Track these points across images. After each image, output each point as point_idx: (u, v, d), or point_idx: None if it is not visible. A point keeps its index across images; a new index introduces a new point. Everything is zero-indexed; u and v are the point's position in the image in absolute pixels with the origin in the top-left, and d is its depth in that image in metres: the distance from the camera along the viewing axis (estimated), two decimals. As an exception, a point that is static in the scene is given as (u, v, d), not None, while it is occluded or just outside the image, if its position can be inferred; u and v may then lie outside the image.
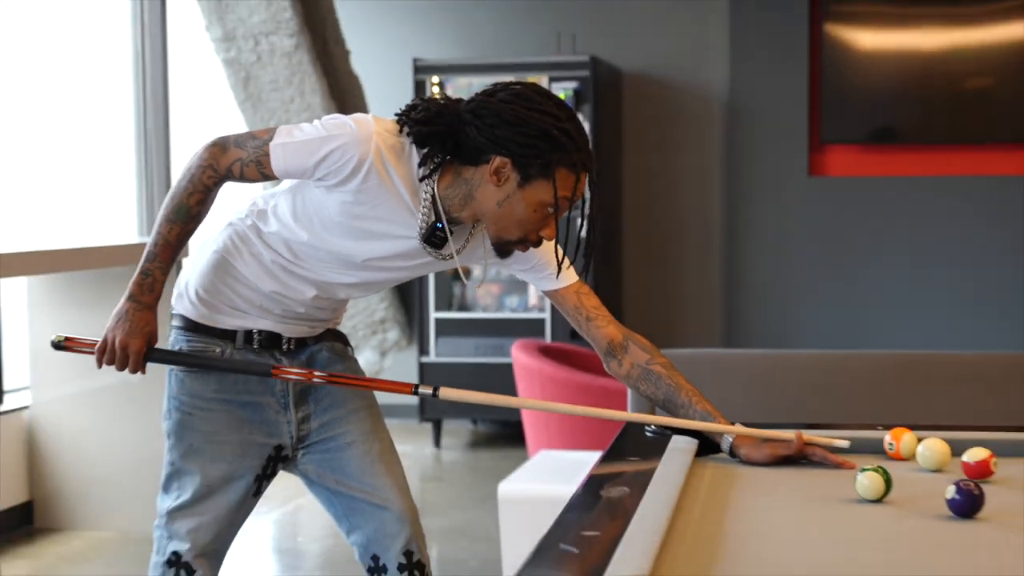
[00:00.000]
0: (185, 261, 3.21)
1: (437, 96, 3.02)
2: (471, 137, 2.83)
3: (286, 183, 3.06)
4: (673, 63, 8.76)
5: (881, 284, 8.52)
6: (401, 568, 3.22)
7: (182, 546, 3.07)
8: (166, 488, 3.14)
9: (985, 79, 8.37)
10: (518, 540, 3.93)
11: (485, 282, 7.86)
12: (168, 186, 7.96)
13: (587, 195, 2.93)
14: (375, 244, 2.99)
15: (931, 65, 8.38)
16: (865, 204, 8.55)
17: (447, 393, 3.01)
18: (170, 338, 3.19)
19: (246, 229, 3.09)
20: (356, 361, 3.38)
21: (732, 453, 2.88)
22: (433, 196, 2.90)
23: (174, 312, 3.20)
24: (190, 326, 3.15)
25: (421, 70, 8.27)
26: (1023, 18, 8.28)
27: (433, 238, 2.94)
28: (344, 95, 7.72)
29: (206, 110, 8.46)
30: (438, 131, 2.84)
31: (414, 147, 2.88)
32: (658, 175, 8.82)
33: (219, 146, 2.96)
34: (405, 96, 8.41)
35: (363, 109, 7.74)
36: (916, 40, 8.42)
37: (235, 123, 7.80)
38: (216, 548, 3.11)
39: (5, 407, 6.28)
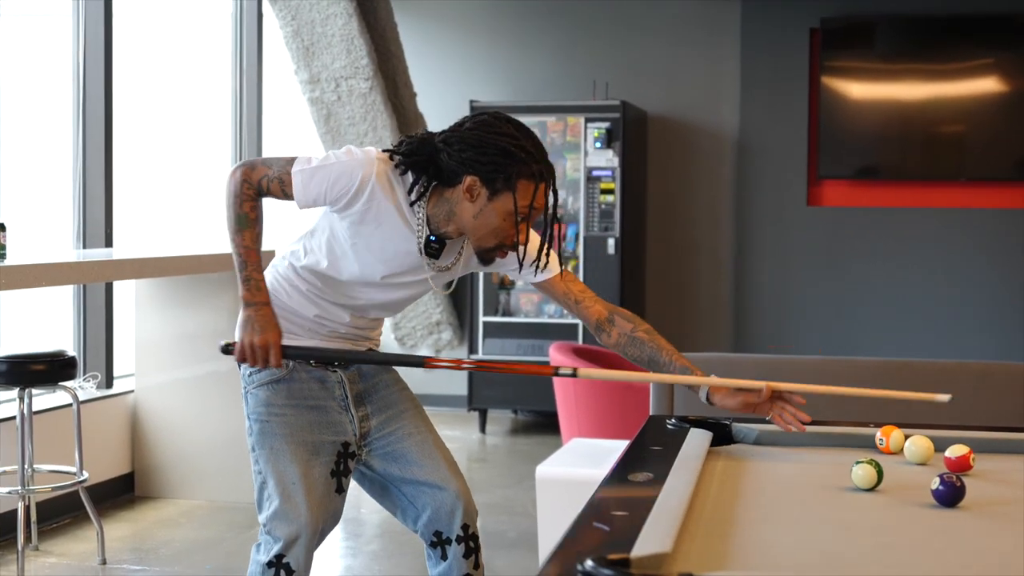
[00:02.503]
0: None
1: (417, 132, 3.09)
2: (445, 162, 2.92)
3: (310, 225, 3.14)
4: (691, 107, 8.74)
5: (868, 300, 8.51)
6: (459, 540, 3.22)
7: (282, 548, 3.03)
8: (259, 503, 3.12)
9: (958, 126, 8.36)
10: (553, 516, 3.89)
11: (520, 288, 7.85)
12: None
13: (551, 200, 2.98)
14: (386, 262, 3.05)
15: (911, 113, 8.39)
16: (855, 231, 8.54)
17: (585, 372, 3.08)
18: (244, 372, 3.19)
19: (285, 268, 3.18)
20: (395, 371, 3.40)
21: (709, 401, 2.93)
22: (425, 215, 2.99)
23: None
24: (224, 349, 3.15)
25: (477, 110, 8.26)
26: (988, 75, 8.30)
27: (430, 250, 3.02)
28: (411, 130, 7.71)
29: (292, 141, 8.48)
30: (419, 160, 2.94)
31: (406, 175, 2.97)
32: (677, 202, 8.80)
33: (247, 165, 3.05)
34: (461, 131, 8.43)
35: (427, 144, 7.74)
36: (899, 92, 8.42)
37: (317, 152, 7.79)
38: (310, 541, 3.06)
39: (113, 391, 6.31)
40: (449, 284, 3.22)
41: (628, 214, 8.16)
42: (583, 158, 8.05)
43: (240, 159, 7.88)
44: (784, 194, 8.59)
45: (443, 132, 2.98)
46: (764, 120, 8.60)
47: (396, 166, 2.96)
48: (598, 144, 8.02)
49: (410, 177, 2.96)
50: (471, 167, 2.89)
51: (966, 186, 8.44)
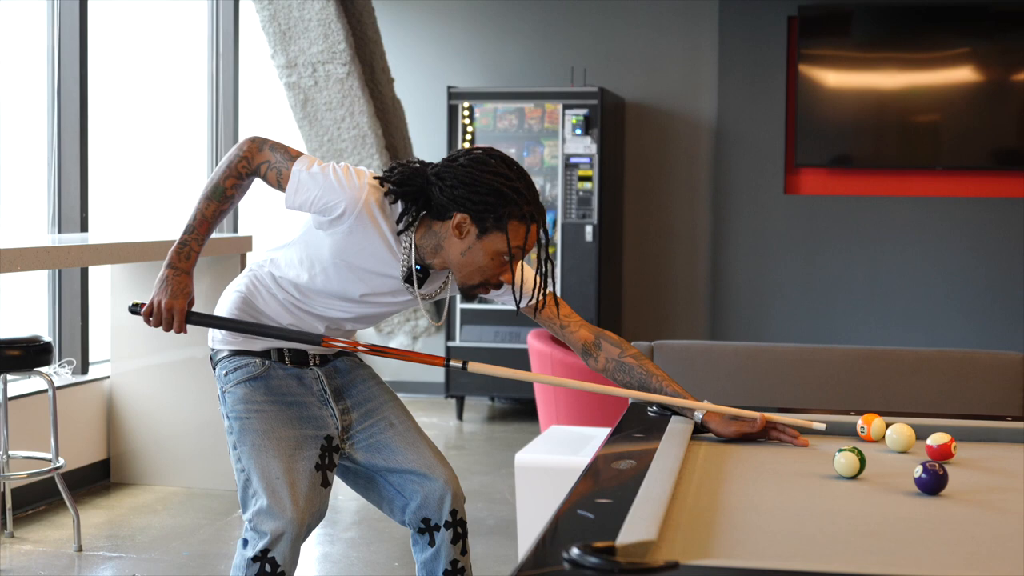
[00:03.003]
0: (218, 303, 3.24)
1: (412, 160, 3.06)
2: (436, 196, 2.91)
3: (296, 234, 3.13)
4: (669, 94, 8.74)
5: (845, 287, 8.54)
6: (447, 525, 3.24)
7: (268, 543, 3.02)
8: (243, 501, 3.09)
9: (933, 115, 8.39)
10: (532, 503, 3.88)
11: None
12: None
13: (542, 240, 2.98)
14: (365, 283, 3.06)
15: (888, 102, 8.41)
16: (831, 219, 8.57)
17: (475, 367, 3.05)
18: (220, 372, 3.20)
19: (263, 274, 3.17)
20: (370, 367, 3.41)
21: (704, 426, 2.88)
22: (411, 245, 2.98)
23: (215, 349, 3.24)
24: (232, 353, 3.18)
25: (454, 96, 8.25)
26: (964, 65, 8.32)
27: (410, 278, 3.02)
28: (388, 116, 7.69)
29: (269, 124, 8.44)
30: (410, 191, 2.93)
31: (396, 204, 2.97)
32: (654, 190, 8.80)
33: (256, 144, 3.03)
34: (441, 117, 8.42)
35: (404, 129, 7.74)
36: (876, 80, 8.44)
37: (294, 137, 7.77)
38: (295, 536, 3.04)
39: (89, 377, 6.28)
40: (439, 314, 3.21)
41: (606, 201, 8.15)
42: (561, 145, 8.04)
43: (217, 144, 7.84)
44: (761, 182, 8.61)
45: (436, 165, 2.97)
46: (742, 108, 8.61)
47: (386, 194, 2.94)
48: (576, 131, 8.01)
49: (400, 206, 2.96)
50: (462, 205, 2.89)
51: (942, 175, 8.46)
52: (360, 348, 3.09)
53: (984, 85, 8.31)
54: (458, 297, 7.91)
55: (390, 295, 3.10)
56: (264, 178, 3.02)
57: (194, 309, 3.07)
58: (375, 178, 2.98)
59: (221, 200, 3.03)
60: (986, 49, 8.29)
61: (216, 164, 7.76)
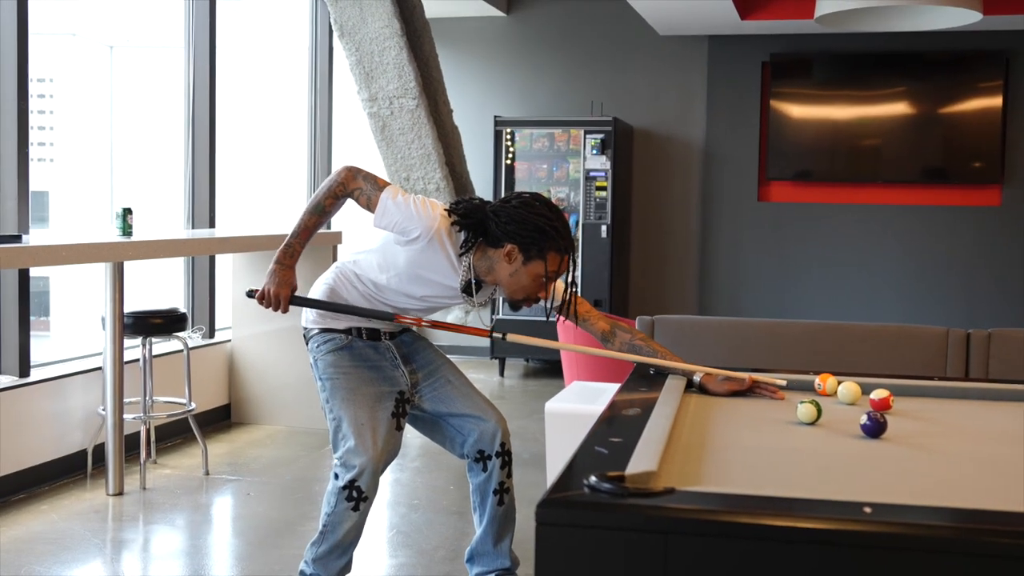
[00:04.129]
0: (310, 291, 3.25)
1: (473, 197, 3.08)
2: (492, 229, 2.94)
3: (376, 243, 3.15)
4: (668, 123, 8.68)
5: (805, 276, 8.47)
6: (498, 455, 3.28)
7: (355, 475, 3.02)
8: (335, 443, 3.11)
9: (875, 139, 8.29)
10: (558, 442, 3.86)
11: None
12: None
13: (570, 267, 3.01)
14: (428, 287, 3.08)
15: (839, 129, 8.32)
16: (794, 221, 8.49)
17: (513, 338, 3.07)
18: (312, 345, 3.21)
19: (348, 272, 3.19)
20: (427, 339, 3.43)
21: (701, 388, 2.85)
22: (470, 264, 3.00)
23: (307, 327, 3.25)
24: (321, 330, 3.19)
25: (499, 123, 8.23)
26: (901, 100, 8.23)
27: (468, 290, 3.05)
28: (448, 139, 7.67)
29: (355, 144, 8.44)
30: (471, 223, 2.96)
31: (461, 232, 3.00)
32: (656, 198, 8.75)
33: (351, 172, 3.03)
34: (488, 140, 8.39)
35: (461, 151, 7.71)
36: (830, 113, 8.35)
37: (374, 156, 7.76)
38: (376, 469, 3.05)
39: (215, 340, 6.30)
40: (483, 302, 3.21)
41: (617, 206, 8.11)
42: (582, 162, 8.00)
43: (315, 161, 7.85)
44: (739, 192, 8.54)
45: (494, 203, 2.99)
46: (725, 133, 8.54)
47: (453, 224, 2.96)
48: (594, 151, 7.96)
49: (462, 233, 2.98)
50: (512, 238, 2.92)
51: (882, 187, 8.37)
52: (424, 324, 3.09)
53: (917, 116, 8.21)
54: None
55: (446, 298, 3.13)
56: (356, 200, 3.03)
57: (296, 294, 3.10)
58: (445, 209, 3.00)
59: (320, 215, 3.04)
60: (919, 88, 8.18)
61: (315, 179, 7.79)
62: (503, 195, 3.16)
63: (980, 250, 8.21)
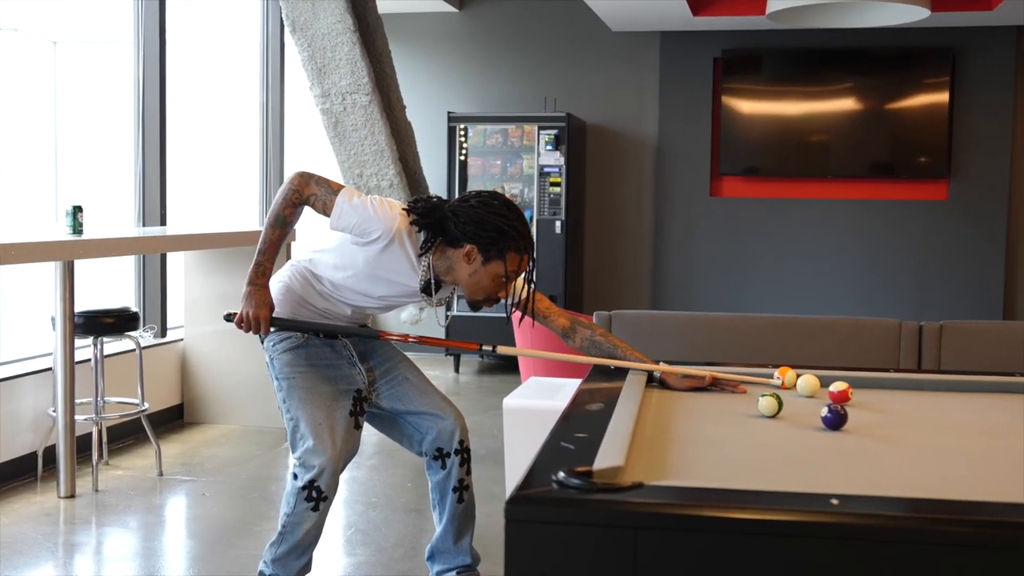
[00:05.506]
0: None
1: (431, 196, 3.05)
2: (451, 229, 2.91)
3: (333, 242, 3.10)
4: (621, 119, 8.71)
5: (755, 268, 8.55)
6: (457, 452, 3.27)
7: (314, 475, 3.00)
8: (293, 444, 3.08)
9: (823, 135, 8.38)
10: (517, 438, 3.86)
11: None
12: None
13: (529, 266, 3.00)
14: (387, 287, 3.05)
15: (789, 125, 8.40)
16: (746, 216, 8.56)
17: (502, 350, 3.06)
18: (268, 344, 3.17)
19: (303, 270, 3.15)
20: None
21: (662, 383, 2.84)
22: (429, 264, 2.97)
23: None
24: (226, 317, 3.14)
25: (452, 119, 8.21)
26: (849, 96, 8.32)
27: (427, 289, 3.01)
28: (401, 135, 7.61)
29: (307, 142, 8.38)
30: (430, 223, 2.93)
31: (420, 232, 2.97)
32: (610, 193, 8.77)
33: (304, 178, 2.98)
34: (442, 136, 8.36)
35: (414, 147, 7.68)
36: (780, 109, 8.42)
37: (326, 152, 7.71)
38: (335, 469, 3.02)
39: (167, 339, 6.23)
40: (441, 301, 3.20)
41: (571, 202, 8.13)
42: (536, 158, 8.00)
43: (267, 157, 7.77)
44: (692, 187, 8.59)
45: (452, 202, 2.96)
46: (677, 129, 8.58)
47: (412, 223, 2.93)
48: (548, 147, 7.97)
49: (422, 234, 2.95)
50: (472, 238, 2.89)
51: (831, 182, 8.46)
52: (411, 339, 3.05)
53: (864, 112, 8.31)
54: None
55: (404, 297, 3.10)
56: (312, 206, 2.98)
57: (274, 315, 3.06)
58: (404, 208, 2.97)
59: (283, 226, 2.99)
60: (865, 84, 8.28)
61: (267, 176, 7.71)
62: (458, 192, 3.14)
63: (928, 243, 8.32)
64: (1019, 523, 1.58)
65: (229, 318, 3.07)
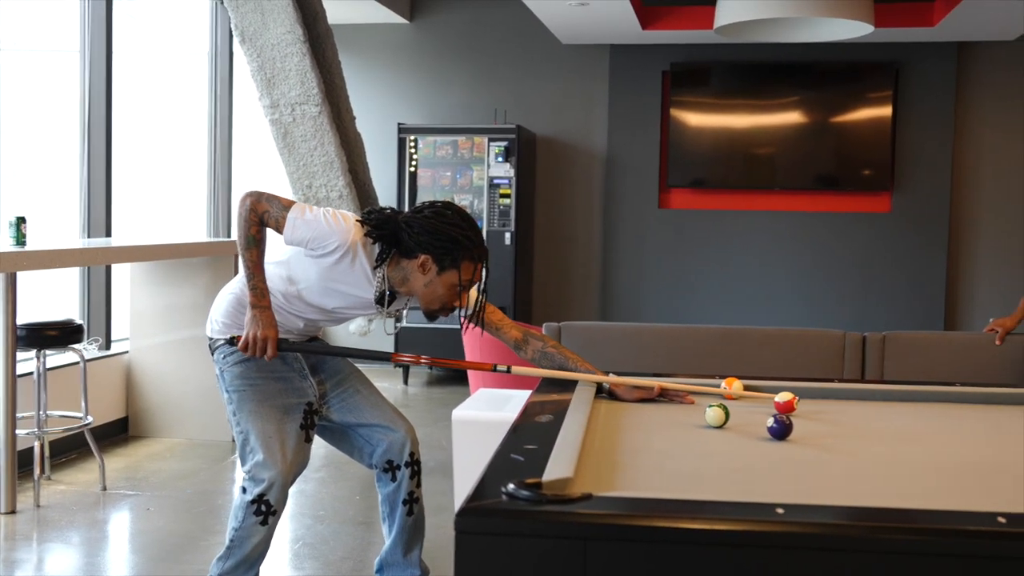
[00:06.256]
0: (215, 301, 3.19)
1: (384, 207, 3.04)
2: (405, 240, 2.91)
3: (284, 255, 3.09)
4: (571, 131, 8.75)
5: (703, 279, 8.62)
6: (407, 464, 3.26)
7: (263, 489, 2.97)
8: (243, 456, 3.06)
9: (770, 148, 8.48)
10: (466, 450, 3.85)
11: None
12: (228, 201, 7.84)
13: (483, 275, 3.01)
14: (341, 299, 3.04)
15: (736, 138, 8.48)
16: (694, 227, 8.63)
17: (518, 370, 3.01)
18: (218, 356, 3.13)
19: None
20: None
21: (611, 394, 2.85)
22: (384, 275, 2.95)
23: (213, 338, 3.16)
24: (227, 341, 3.11)
25: (403, 130, 8.21)
26: (795, 109, 8.42)
27: (381, 300, 3.00)
28: (351, 146, 7.59)
29: (256, 153, 8.32)
30: (384, 234, 2.92)
31: (375, 244, 2.96)
32: (560, 205, 8.81)
33: (254, 197, 2.97)
34: (392, 147, 8.35)
35: (364, 159, 7.66)
36: (728, 121, 8.51)
37: (275, 163, 7.66)
38: (285, 483, 3.01)
39: (112, 351, 6.15)
40: (397, 316, 3.20)
41: (521, 213, 8.15)
42: (486, 169, 8.02)
43: (215, 168, 7.71)
44: (640, 199, 8.64)
45: (406, 213, 2.96)
46: (626, 141, 8.64)
47: (367, 235, 2.92)
48: (498, 158, 7.99)
49: (377, 246, 2.94)
50: (426, 248, 2.89)
51: (777, 194, 8.56)
52: (423, 361, 3.02)
53: (809, 125, 8.43)
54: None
55: (357, 309, 3.08)
56: (266, 224, 2.97)
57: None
58: (358, 220, 2.96)
59: (256, 244, 2.96)
60: (812, 98, 8.40)
61: (215, 187, 7.64)
62: (408, 204, 3.14)
63: (871, 255, 8.45)
64: (959, 530, 1.61)
65: (233, 341, 3.04)
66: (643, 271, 8.66)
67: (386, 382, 8.10)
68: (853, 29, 6.38)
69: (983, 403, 2.86)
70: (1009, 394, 2.90)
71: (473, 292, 3.10)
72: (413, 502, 3.27)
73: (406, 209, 3.04)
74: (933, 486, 2.01)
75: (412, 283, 2.96)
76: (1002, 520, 1.62)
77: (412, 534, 3.30)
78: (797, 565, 1.59)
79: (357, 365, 3.38)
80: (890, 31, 7.62)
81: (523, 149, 8.17)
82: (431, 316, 3.02)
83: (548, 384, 2.89)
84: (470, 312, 3.09)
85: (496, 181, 8.01)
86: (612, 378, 2.87)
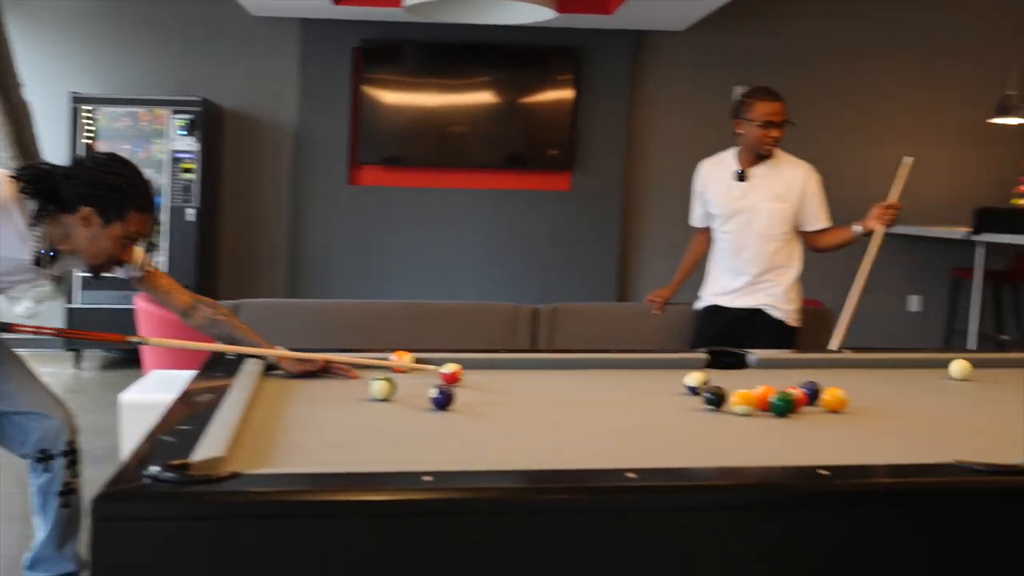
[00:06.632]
0: None
1: (42, 162, 2.88)
2: (65, 194, 2.75)
3: None
4: (260, 105, 8.54)
5: (395, 257, 8.68)
6: (64, 454, 3.12)
7: None
8: None
9: (462, 127, 8.62)
10: (133, 436, 3.69)
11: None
12: None
13: (151, 230, 2.90)
14: None
15: (429, 115, 8.57)
16: (384, 204, 8.66)
17: (157, 341, 2.98)
18: None
19: None
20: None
21: (276, 367, 2.82)
22: (43, 234, 2.79)
23: None
24: None
25: (77, 100, 7.73)
26: (485, 90, 8.59)
27: (44, 261, 2.82)
28: (17, 115, 7.06)
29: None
30: (40, 188, 2.75)
31: (30, 200, 2.78)
32: (247, 182, 8.59)
33: None
34: (65, 118, 7.83)
35: (32, 129, 7.14)
36: (420, 99, 8.58)
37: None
38: None
39: None
40: (60, 285, 3.01)
41: (206, 189, 7.88)
42: (168, 143, 7.69)
43: None
44: (330, 175, 8.58)
45: (66, 167, 2.79)
46: (317, 117, 8.54)
47: (21, 191, 2.73)
48: (182, 132, 7.68)
49: (32, 203, 2.75)
50: (88, 200, 2.73)
51: (469, 172, 8.73)
52: (46, 331, 2.76)
53: (499, 106, 8.64)
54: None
55: (15, 275, 2.87)
56: None
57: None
58: (10, 176, 2.76)
59: None
60: (500, 79, 8.62)
61: None
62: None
63: (554, 232, 8.81)
64: (603, 487, 1.70)
65: None
66: (334, 247, 8.61)
67: (55, 367, 7.62)
68: (536, 13, 6.58)
69: (635, 368, 3.04)
70: (659, 359, 3.11)
71: (140, 251, 2.96)
72: (69, 493, 3.11)
73: None
74: (583, 447, 2.11)
75: (75, 239, 2.78)
76: (632, 475, 1.73)
77: (67, 527, 3.14)
78: (447, 531, 1.63)
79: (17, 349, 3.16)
80: (572, 17, 7.93)
81: (209, 123, 7.90)
82: (95, 271, 2.86)
83: (214, 363, 2.82)
84: (139, 273, 2.95)
85: (179, 155, 7.70)
86: (277, 351, 2.83)
